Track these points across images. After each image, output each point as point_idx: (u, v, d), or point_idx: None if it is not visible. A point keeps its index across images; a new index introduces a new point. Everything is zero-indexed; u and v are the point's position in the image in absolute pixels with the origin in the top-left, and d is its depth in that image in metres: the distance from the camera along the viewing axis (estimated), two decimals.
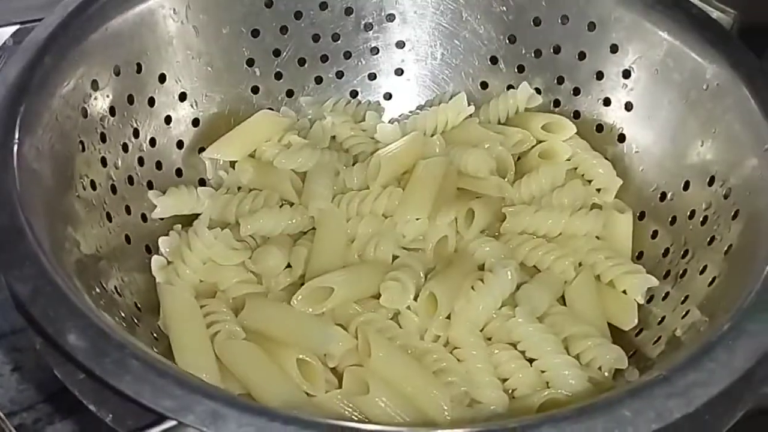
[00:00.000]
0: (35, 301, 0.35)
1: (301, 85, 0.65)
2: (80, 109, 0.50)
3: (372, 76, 0.66)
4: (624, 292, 0.53)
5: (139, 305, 0.50)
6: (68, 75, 0.49)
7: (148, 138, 0.56)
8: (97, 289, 0.44)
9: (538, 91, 0.63)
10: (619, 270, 0.53)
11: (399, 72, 0.66)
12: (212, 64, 0.60)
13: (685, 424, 0.34)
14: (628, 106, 0.58)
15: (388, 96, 0.67)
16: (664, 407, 0.33)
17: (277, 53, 0.63)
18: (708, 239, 0.49)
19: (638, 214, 0.57)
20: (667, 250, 0.53)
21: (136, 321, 0.48)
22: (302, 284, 0.51)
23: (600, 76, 0.60)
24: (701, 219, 0.51)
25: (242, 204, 0.57)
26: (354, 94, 0.66)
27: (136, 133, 0.55)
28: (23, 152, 0.43)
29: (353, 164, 0.61)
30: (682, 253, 0.52)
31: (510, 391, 0.48)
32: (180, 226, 0.56)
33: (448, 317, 0.49)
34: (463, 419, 0.45)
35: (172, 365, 0.34)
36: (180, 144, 0.59)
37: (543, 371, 0.48)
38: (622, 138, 0.59)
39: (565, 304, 0.53)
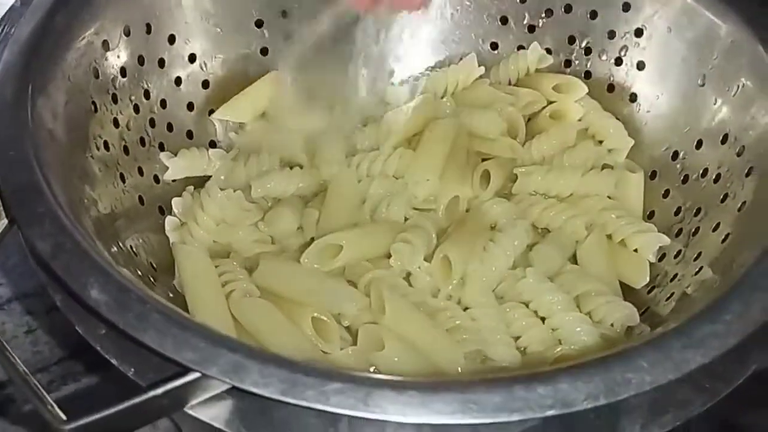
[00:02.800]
0: (56, 257, 0.36)
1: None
2: (92, 69, 0.50)
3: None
4: (635, 251, 0.53)
5: (154, 265, 0.50)
6: (79, 35, 0.49)
7: (159, 99, 0.56)
8: (115, 248, 0.45)
9: (548, 51, 0.62)
10: (630, 229, 0.53)
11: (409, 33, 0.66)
12: (221, 25, 0.59)
13: (699, 375, 0.35)
14: (640, 66, 0.58)
15: (397, 57, 0.66)
16: (681, 358, 0.33)
17: (285, 14, 0.62)
18: (721, 197, 0.49)
19: (650, 174, 0.57)
20: (679, 209, 0.53)
21: (152, 280, 0.48)
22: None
23: (612, 35, 0.59)
24: (714, 177, 0.51)
25: (252, 165, 0.57)
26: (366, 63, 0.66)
27: (147, 95, 0.55)
28: (38, 112, 0.43)
29: (363, 126, 0.61)
30: (694, 211, 0.52)
31: (522, 349, 0.48)
32: (192, 187, 0.56)
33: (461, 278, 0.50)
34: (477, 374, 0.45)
35: (193, 319, 0.34)
36: (190, 106, 0.59)
37: (555, 329, 0.48)
38: (633, 97, 0.59)
39: (576, 264, 0.53)
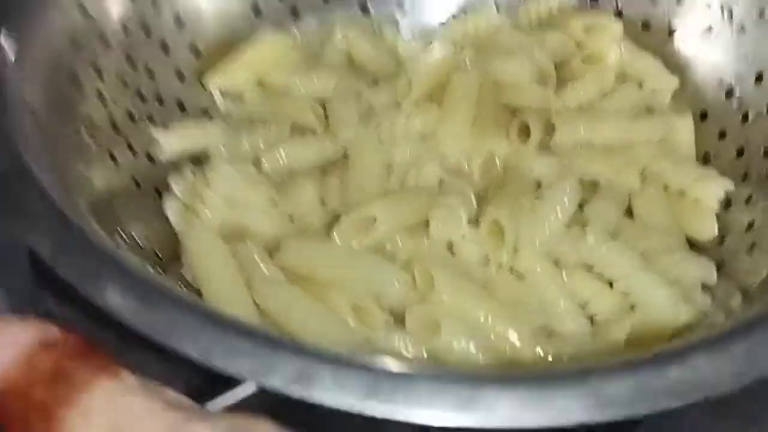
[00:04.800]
0: (59, 258, 0.29)
1: (307, 2, 0.58)
2: (71, 38, 0.42)
3: None
4: (696, 201, 0.48)
5: (159, 254, 0.44)
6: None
7: (146, 68, 0.49)
8: (119, 238, 0.38)
9: None
10: (689, 176, 0.47)
11: None
12: None
13: None
14: None
15: (402, 8, 0.60)
16: None
17: None
18: None
19: (699, 115, 0.51)
20: (741, 150, 0.48)
21: (160, 271, 0.42)
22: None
23: None
24: None
25: (258, 136, 0.50)
26: (364, 8, 0.59)
27: (132, 64, 0.48)
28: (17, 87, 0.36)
29: (374, 84, 0.54)
30: (762, 151, 0.46)
31: (590, 318, 0.43)
32: (191, 165, 0.49)
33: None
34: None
35: (238, 319, 0.28)
36: (180, 75, 0.52)
37: (626, 293, 0.42)
38: (672, 34, 0.53)
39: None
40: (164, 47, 0.51)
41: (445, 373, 0.26)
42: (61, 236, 0.30)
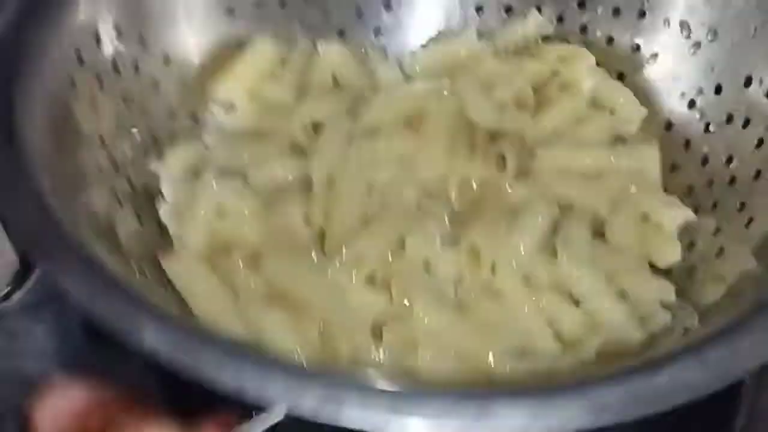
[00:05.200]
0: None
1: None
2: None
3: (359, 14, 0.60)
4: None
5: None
6: None
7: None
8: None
9: (538, 9, 0.58)
10: (654, 203, 0.51)
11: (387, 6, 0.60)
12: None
13: None
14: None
15: (378, 31, 0.60)
16: None
17: None
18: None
19: (665, 125, 0.55)
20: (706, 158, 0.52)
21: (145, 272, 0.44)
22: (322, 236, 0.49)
23: None
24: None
25: (246, 150, 0.52)
26: (341, 33, 0.60)
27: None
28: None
29: (356, 106, 0.56)
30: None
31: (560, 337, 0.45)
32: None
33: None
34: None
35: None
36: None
37: (592, 312, 0.45)
38: (635, 49, 0.56)
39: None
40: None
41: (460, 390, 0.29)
42: (93, 279, 0.32)
